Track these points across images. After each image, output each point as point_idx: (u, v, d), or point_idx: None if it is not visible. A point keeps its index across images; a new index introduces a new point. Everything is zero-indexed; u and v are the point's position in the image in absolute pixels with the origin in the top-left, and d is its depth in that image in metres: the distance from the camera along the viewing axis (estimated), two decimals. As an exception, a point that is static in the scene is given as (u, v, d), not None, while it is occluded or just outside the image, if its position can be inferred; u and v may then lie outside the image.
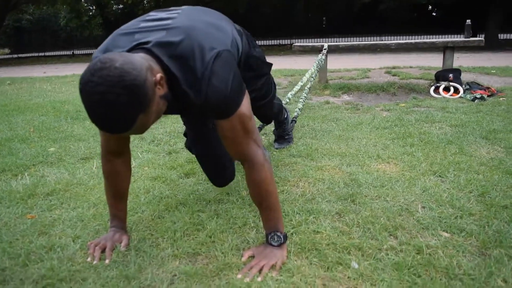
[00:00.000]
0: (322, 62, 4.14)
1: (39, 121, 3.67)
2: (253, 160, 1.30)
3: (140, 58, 1.07)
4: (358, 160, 2.27)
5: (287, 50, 14.20)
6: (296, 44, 5.03)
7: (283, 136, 2.63)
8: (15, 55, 20.43)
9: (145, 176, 2.19)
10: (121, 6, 24.30)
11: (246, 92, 1.29)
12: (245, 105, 1.26)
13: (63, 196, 1.95)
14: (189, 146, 1.89)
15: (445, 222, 1.54)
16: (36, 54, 18.75)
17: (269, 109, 2.08)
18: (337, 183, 1.94)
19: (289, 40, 16.56)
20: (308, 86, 3.43)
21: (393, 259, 1.30)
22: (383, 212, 1.63)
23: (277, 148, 2.55)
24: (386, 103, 3.96)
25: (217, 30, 1.27)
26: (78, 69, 9.66)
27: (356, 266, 1.28)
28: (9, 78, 8.33)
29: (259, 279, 1.24)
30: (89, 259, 1.38)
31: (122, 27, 1.28)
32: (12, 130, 3.36)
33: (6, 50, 23.31)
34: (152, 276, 1.27)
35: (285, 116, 2.59)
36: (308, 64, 7.21)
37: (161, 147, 2.77)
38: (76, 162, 2.51)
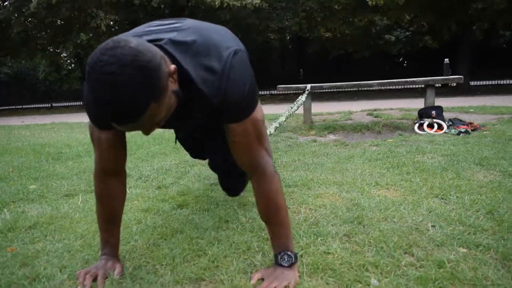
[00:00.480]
0: (303, 100, 4.17)
1: (19, 162, 3.51)
2: (263, 171, 1.22)
3: (155, 47, 0.98)
4: (357, 187, 2.21)
5: (267, 99, 14.46)
6: (280, 86, 5.09)
7: None
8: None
9: (135, 209, 2.06)
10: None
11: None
12: (259, 109, 1.21)
13: (47, 229, 1.80)
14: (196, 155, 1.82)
15: (459, 238, 1.46)
16: (14, 107, 18.52)
17: None
18: (339, 208, 1.86)
19: (267, 91, 16.87)
20: (283, 119, 3.39)
21: (415, 274, 1.21)
22: (393, 232, 1.55)
23: None
24: (373, 140, 3.98)
25: (229, 34, 1.23)
26: (58, 119, 9.52)
27: (377, 283, 1.18)
28: (-15, 127, 8.12)
29: (273, 301, 1.12)
30: (79, 288, 1.23)
31: (128, 32, 1.19)
32: (-11, 171, 3.19)
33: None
34: (153, 302, 1.14)
35: None
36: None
37: (149, 183, 2.65)
38: (59, 198, 2.35)
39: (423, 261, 1.30)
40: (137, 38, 0.96)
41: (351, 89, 15.36)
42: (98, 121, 1.21)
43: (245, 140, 1.18)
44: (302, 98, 4.44)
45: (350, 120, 5.58)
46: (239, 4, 11.52)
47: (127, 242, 1.60)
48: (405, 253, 1.38)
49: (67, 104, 18.37)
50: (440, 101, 8.34)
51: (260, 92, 16.16)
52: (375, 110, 6.70)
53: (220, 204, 2.04)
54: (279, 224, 1.27)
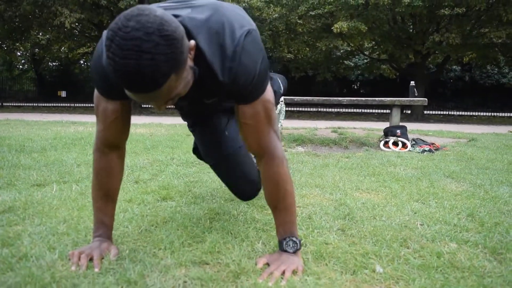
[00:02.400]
0: (283, 110, 4.21)
1: (-23, 152, 3.27)
2: (273, 153, 1.22)
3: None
4: (339, 190, 2.24)
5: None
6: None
7: None
8: None
9: (120, 200, 1.96)
10: (56, 62, 23.76)
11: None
12: (270, 91, 1.20)
13: (24, 213, 1.68)
14: (203, 156, 1.72)
15: (448, 235, 1.52)
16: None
17: None
18: (327, 207, 1.88)
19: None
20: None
21: (417, 262, 1.24)
22: (386, 228, 1.58)
23: None
24: (343, 153, 4.07)
25: (243, 12, 1.22)
26: (11, 117, 8.98)
27: (381, 270, 1.19)
28: None
29: (283, 283, 1.10)
30: (73, 267, 1.15)
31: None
32: None
33: None
34: (160, 281, 1.09)
35: None
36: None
37: (125, 177, 2.55)
38: (29, 187, 2.21)
39: (420, 252, 1.34)
40: (160, 9, 0.94)
41: (313, 109, 15.80)
42: (109, 91, 1.16)
43: (255, 122, 1.17)
44: (280, 108, 4.48)
45: (316, 135, 5.70)
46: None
47: (117, 228, 1.52)
48: (401, 245, 1.41)
49: (19, 104, 17.44)
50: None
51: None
52: (339, 128, 6.89)
53: (206, 199, 2.00)
54: (286, 209, 1.26)
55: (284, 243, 1.25)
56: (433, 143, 4.46)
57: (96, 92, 1.21)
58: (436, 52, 12.99)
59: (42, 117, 7.87)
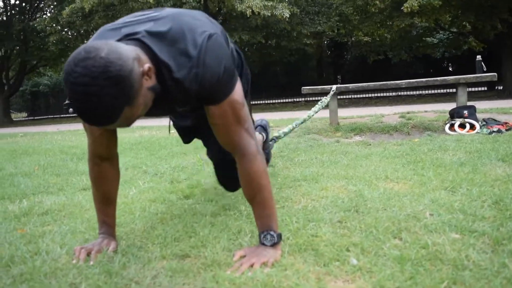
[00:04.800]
0: (327, 101, 4.19)
1: (45, 161, 3.75)
2: (244, 151, 1.30)
3: (128, 47, 1.07)
4: (365, 180, 2.23)
5: (301, 106, 14.49)
6: (305, 87, 5.14)
7: None
8: (32, 118, 21.32)
9: (144, 199, 2.18)
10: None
11: (239, 79, 1.31)
12: (238, 91, 1.27)
13: (58, 215, 1.95)
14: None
15: (454, 225, 1.47)
16: (52, 116, 19.52)
17: None
18: (341, 199, 1.90)
19: (303, 98, 16.86)
20: (304, 118, 3.43)
21: (395, 254, 1.24)
22: (388, 219, 1.57)
23: None
24: (398, 140, 3.95)
25: (206, 18, 1.32)
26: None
27: (355, 262, 1.22)
28: (22, 133, 8.64)
29: (249, 274, 1.19)
30: (74, 261, 1.35)
31: (108, 24, 1.29)
32: (17, 168, 3.43)
33: (23, 114, 24.32)
34: (136, 272, 1.23)
35: (264, 134, 2.52)
36: (322, 113, 7.31)
37: (164, 178, 2.77)
38: (76, 191, 2.52)
39: (407, 243, 1.33)
40: (108, 42, 1.03)
41: (389, 94, 15.17)
42: None
43: (223, 121, 1.26)
44: (327, 99, 4.47)
45: (380, 123, 5.55)
46: (269, 14, 11.68)
47: (127, 225, 1.71)
48: (394, 237, 1.41)
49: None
50: (481, 104, 8.09)
51: (295, 99, 16.05)
52: (408, 112, 6.60)
53: (225, 196, 2.13)
54: (262, 204, 1.33)
55: (262, 236, 1.33)
56: (506, 122, 4.12)
57: None
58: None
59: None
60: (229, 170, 1.73)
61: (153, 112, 1.30)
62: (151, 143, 4.72)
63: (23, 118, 22.73)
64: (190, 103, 1.31)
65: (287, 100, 17.60)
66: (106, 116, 1.01)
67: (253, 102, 17.47)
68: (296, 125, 3.15)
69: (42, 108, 22.94)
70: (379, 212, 1.67)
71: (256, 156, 1.31)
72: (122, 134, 6.22)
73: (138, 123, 8.98)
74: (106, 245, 1.44)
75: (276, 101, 17.78)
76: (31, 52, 18.12)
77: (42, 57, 18.11)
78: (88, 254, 1.38)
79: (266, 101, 17.99)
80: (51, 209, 2.03)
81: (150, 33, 1.17)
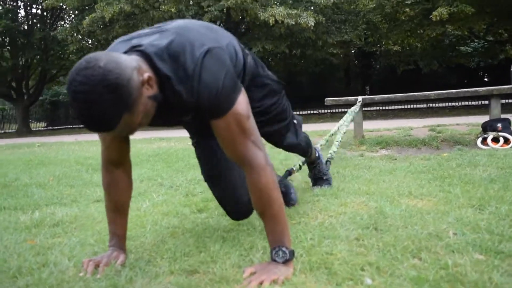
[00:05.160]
0: (355, 113, 4.19)
1: (60, 171, 3.85)
2: (252, 163, 1.32)
3: (128, 57, 1.16)
4: (387, 196, 2.21)
5: (326, 118, 14.45)
6: (328, 99, 5.14)
7: (320, 177, 2.56)
8: (51, 128, 21.90)
9: (156, 212, 2.22)
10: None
11: (243, 90, 1.34)
12: (241, 103, 1.30)
13: (69, 227, 2.00)
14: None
15: (479, 245, 1.44)
16: (71, 126, 19.99)
17: (291, 135, 2.02)
18: (360, 215, 1.89)
19: (328, 110, 16.77)
20: (342, 133, 3.45)
21: (412, 274, 1.23)
22: (408, 237, 1.55)
23: (317, 189, 2.46)
24: (426, 155, 3.89)
25: (211, 31, 1.36)
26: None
27: (370, 282, 1.21)
28: (39, 142, 8.90)
29: (258, 291, 1.19)
30: (81, 273, 1.38)
31: (124, 36, 1.39)
32: (32, 178, 3.54)
33: (43, 124, 25.00)
34: (142, 286, 1.26)
35: (317, 155, 2.53)
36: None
37: (179, 191, 2.81)
38: (89, 203, 2.58)
39: (427, 264, 1.31)
40: (108, 53, 1.13)
41: (420, 106, 14.96)
42: None
43: (228, 134, 1.30)
44: (354, 110, 4.46)
45: (408, 136, 5.48)
46: (293, 23, 11.75)
47: (137, 238, 1.75)
48: (413, 257, 1.39)
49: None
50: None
51: (320, 111, 15.98)
52: (438, 125, 6.50)
53: (239, 210, 2.14)
54: (273, 218, 1.34)
55: (274, 252, 1.34)
56: (545, 137, 4.01)
57: None
58: None
59: (136, 135, 8.77)
60: (225, 187, 1.72)
61: (158, 121, 1.35)
62: (168, 155, 4.79)
63: (42, 128, 23.37)
64: (191, 112, 1.35)
65: (311, 112, 17.53)
66: (105, 122, 1.09)
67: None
68: (340, 141, 3.21)
69: (62, 117, 23.54)
70: (399, 230, 1.65)
71: (265, 168, 1.32)
72: (140, 145, 6.33)
73: (156, 134, 9.13)
74: (115, 258, 1.47)
75: (301, 112, 17.72)
76: (51, 61, 18.72)
77: (62, 66, 18.68)
78: (96, 267, 1.41)
79: (289, 113, 17.98)
80: (62, 221, 2.09)
81: (152, 45, 1.25)
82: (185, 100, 1.25)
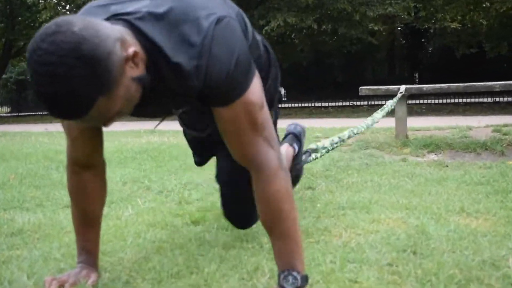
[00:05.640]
0: (390, 107, 4.17)
1: (24, 168, 3.92)
2: (261, 166, 1.32)
3: (111, 26, 1.11)
4: (432, 212, 2.21)
5: (362, 112, 14.39)
6: (363, 87, 5.13)
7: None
8: (16, 114, 22.17)
9: (140, 222, 2.24)
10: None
11: (257, 74, 1.34)
12: (255, 90, 1.30)
13: (30, 236, 2.04)
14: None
15: (546, 278, 1.44)
16: (41, 113, 20.22)
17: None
18: (396, 235, 1.90)
19: (365, 101, 16.69)
20: (359, 129, 3.42)
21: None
22: (455, 265, 1.56)
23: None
24: (487, 162, 3.87)
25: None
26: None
27: (403, 317, 1.22)
28: (1, 132, 9.04)
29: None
30: (42, 295, 1.41)
31: (93, 2, 1.33)
32: (-12, 176, 3.61)
33: (5, 109, 25.28)
34: (118, 313, 1.28)
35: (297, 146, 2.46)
36: (387, 122, 7.24)
37: (170, 198, 2.84)
38: (57, 208, 2.62)
39: (477, 297, 1.31)
40: (86, 18, 1.09)
41: (483, 100, 14.84)
42: None
43: (235, 127, 1.29)
44: (391, 104, 4.45)
45: (464, 138, 5.45)
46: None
47: (115, 254, 1.77)
48: (459, 288, 1.39)
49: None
50: None
51: (355, 102, 15.91)
52: (505, 125, 6.45)
53: (244, 224, 2.16)
54: (283, 235, 1.35)
55: (282, 277, 1.34)
56: None
57: None
58: None
59: (121, 126, 8.84)
60: (238, 196, 1.76)
61: (144, 111, 1.35)
62: (159, 152, 4.83)
63: (5, 114, 23.72)
64: (190, 102, 1.34)
65: (344, 104, 17.49)
66: (74, 106, 1.04)
67: (299, 105, 17.48)
68: (341, 139, 3.16)
69: (29, 101, 23.79)
70: (444, 255, 1.66)
71: (277, 172, 1.33)
72: (124, 138, 6.40)
73: (147, 125, 9.20)
74: (84, 277, 1.49)
75: (330, 104, 17.71)
76: (18, 31, 18.93)
77: (32, 37, 18.80)
78: (61, 287, 1.44)
79: (316, 104, 17.96)
80: (23, 229, 2.13)
81: (144, 13, 1.21)
82: (186, 77, 1.21)
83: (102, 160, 1.54)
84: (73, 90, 1.02)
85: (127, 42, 1.12)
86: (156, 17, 1.21)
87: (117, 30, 1.12)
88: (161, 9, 1.22)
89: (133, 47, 1.13)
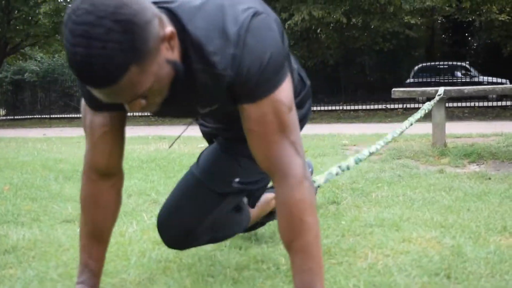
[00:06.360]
0: (425, 111, 4.16)
1: (20, 178, 4.01)
2: (285, 171, 1.35)
3: (151, 4, 1.19)
4: (471, 231, 2.22)
5: (396, 116, 14.34)
6: (397, 89, 5.14)
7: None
8: (11, 117, 22.45)
9: (146, 239, 2.28)
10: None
11: (289, 76, 1.40)
12: (285, 90, 1.35)
13: (25, 254, 2.09)
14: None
15: None
16: (39, 116, 20.50)
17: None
18: (429, 256, 1.91)
19: (400, 104, 16.61)
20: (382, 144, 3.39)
21: None
22: (494, 291, 1.57)
23: None
24: (537, 174, 3.85)
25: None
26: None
27: None
28: (-4, 139, 9.21)
29: None
30: (38, 319, 1.45)
31: None
32: (-20, 187, 3.69)
33: (0, 112, 25.57)
34: None
35: None
36: (423, 128, 7.23)
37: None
38: (55, 223, 2.68)
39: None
40: None
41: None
42: (96, 100, 1.34)
43: (262, 128, 1.33)
44: (427, 107, 4.44)
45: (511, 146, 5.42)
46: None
47: (117, 275, 1.82)
48: (499, 317, 1.41)
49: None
50: None
51: (388, 106, 15.80)
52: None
53: (261, 241, 2.19)
54: (303, 251, 1.36)
55: (299, 298, 1.37)
56: None
57: (82, 101, 1.51)
58: None
59: (128, 131, 8.95)
60: (195, 198, 1.75)
61: (169, 109, 1.40)
62: (169, 161, 4.89)
63: (0, 118, 23.99)
64: (219, 99, 1.39)
65: (377, 107, 17.40)
66: (107, 69, 1.09)
67: (326, 108, 17.46)
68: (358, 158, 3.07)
69: (27, 104, 24.06)
70: (482, 280, 1.67)
71: (302, 181, 1.35)
72: (131, 145, 6.47)
73: (156, 131, 9.28)
74: (84, 299, 1.54)
75: (361, 107, 17.63)
76: (14, 26, 19.14)
77: (29, 33, 19.09)
78: (58, 310, 1.48)
79: (345, 107, 17.89)
80: (17, 246, 2.18)
81: (180, 3, 1.30)
82: (219, 73, 1.28)
83: (121, 171, 1.59)
84: (107, 54, 1.07)
85: (165, 23, 1.20)
86: (192, 7, 1.29)
87: (157, 10, 1.19)
88: (197, 1, 1.30)
89: (171, 28, 1.21)
